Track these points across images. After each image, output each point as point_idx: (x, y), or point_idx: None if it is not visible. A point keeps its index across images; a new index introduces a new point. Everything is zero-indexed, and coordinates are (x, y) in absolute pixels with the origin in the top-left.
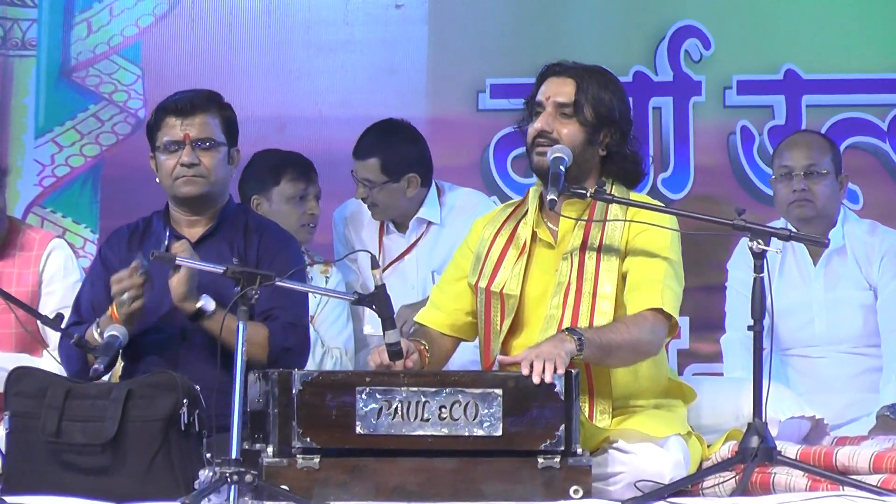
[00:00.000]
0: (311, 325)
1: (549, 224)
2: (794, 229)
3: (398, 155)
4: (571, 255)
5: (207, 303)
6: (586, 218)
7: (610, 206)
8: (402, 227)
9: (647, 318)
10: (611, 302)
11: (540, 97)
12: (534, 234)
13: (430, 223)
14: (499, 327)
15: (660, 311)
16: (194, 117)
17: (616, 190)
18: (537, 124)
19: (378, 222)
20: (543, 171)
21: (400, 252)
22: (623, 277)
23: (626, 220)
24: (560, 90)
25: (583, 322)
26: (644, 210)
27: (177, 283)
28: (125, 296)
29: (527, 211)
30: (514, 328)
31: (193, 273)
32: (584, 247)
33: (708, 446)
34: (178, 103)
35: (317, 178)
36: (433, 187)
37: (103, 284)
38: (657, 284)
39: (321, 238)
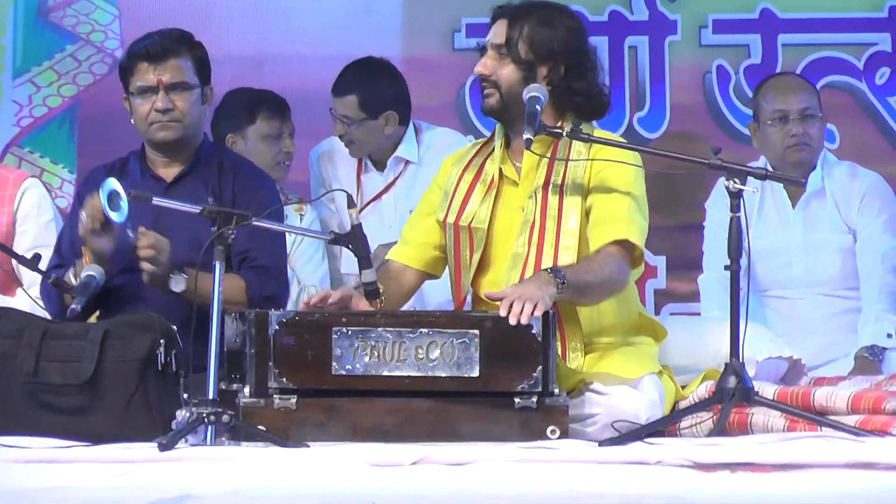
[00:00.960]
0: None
1: (514, 162)
2: (771, 169)
3: (377, 92)
4: (536, 192)
5: (176, 284)
6: (549, 155)
7: (573, 142)
8: (379, 166)
9: (615, 255)
10: (574, 238)
11: (484, 41)
12: (500, 172)
13: (407, 162)
14: (468, 261)
15: (624, 243)
16: (166, 62)
17: (583, 127)
18: (476, 68)
19: (356, 161)
20: (489, 112)
21: (378, 191)
22: (587, 214)
23: (588, 159)
24: (496, 31)
25: (547, 259)
26: (607, 147)
27: (146, 278)
28: (83, 216)
29: (493, 149)
30: (483, 265)
31: (162, 259)
32: (547, 184)
33: (684, 387)
34: (149, 48)
35: (290, 115)
36: (411, 126)
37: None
38: (622, 218)
39: (297, 177)
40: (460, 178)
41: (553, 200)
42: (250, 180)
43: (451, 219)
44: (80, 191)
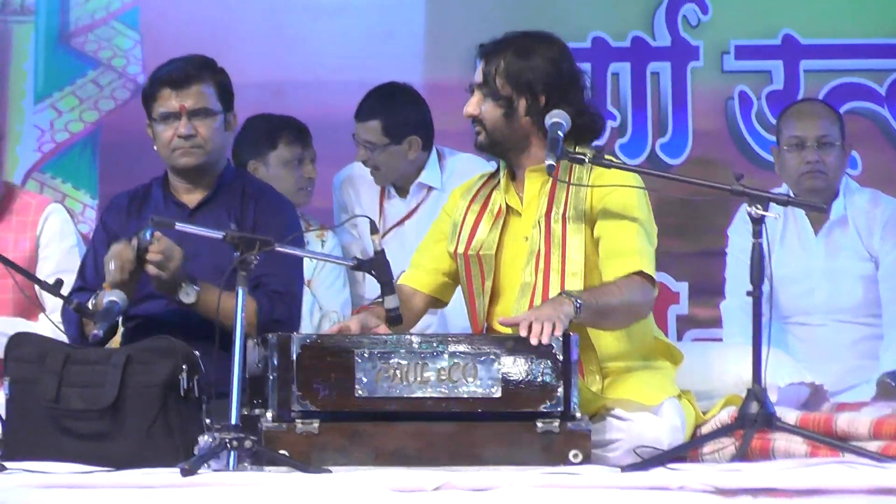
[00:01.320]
0: (307, 288)
1: (518, 192)
2: (793, 195)
3: (400, 117)
4: (539, 222)
5: (187, 295)
6: (551, 183)
7: (574, 168)
8: (402, 192)
9: (635, 280)
10: (580, 265)
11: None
12: (506, 203)
13: (430, 188)
14: (481, 290)
15: (640, 272)
16: (189, 88)
17: (579, 151)
18: (464, 109)
19: (379, 187)
20: (482, 151)
21: (401, 217)
22: (595, 242)
23: (589, 185)
24: (478, 70)
25: (554, 288)
26: (608, 171)
27: (155, 284)
28: (112, 265)
29: (499, 180)
30: (493, 295)
31: (171, 266)
32: (549, 212)
33: (704, 413)
34: (172, 74)
35: (311, 141)
36: (434, 152)
37: (104, 246)
38: (633, 251)
39: (319, 203)
40: (468, 210)
41: (556, 228)
42: (271, 206)
43: (460, 249)
44: (104, 217)
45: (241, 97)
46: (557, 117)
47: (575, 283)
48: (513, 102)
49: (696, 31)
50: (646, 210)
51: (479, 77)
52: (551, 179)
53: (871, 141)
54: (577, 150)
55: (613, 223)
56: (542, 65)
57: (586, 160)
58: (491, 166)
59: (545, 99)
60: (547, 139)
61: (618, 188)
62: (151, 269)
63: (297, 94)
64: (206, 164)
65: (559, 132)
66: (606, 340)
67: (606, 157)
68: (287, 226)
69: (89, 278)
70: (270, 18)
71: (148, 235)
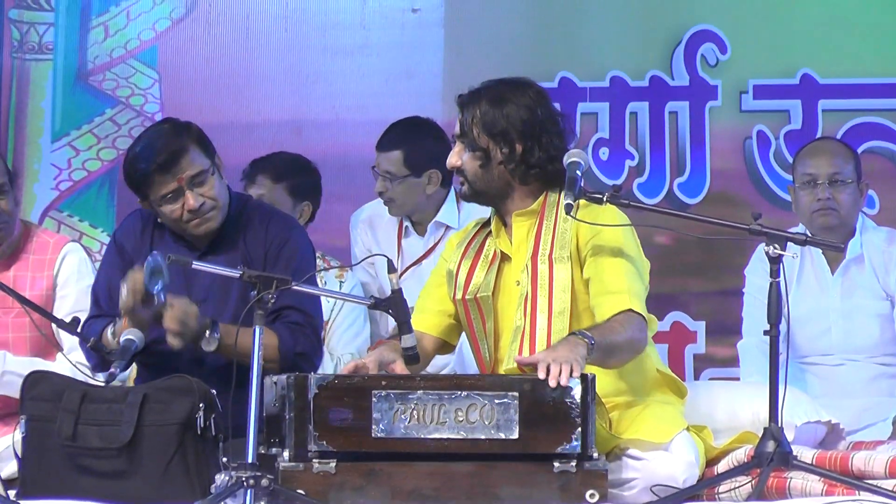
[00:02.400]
0: (325, 329)
1: (509, 238)
2: (811, 235)
3: (422, 150)
4: (527, 264)
5: (208, 345)
6: (537, 225)
7: (559, 208)
8: (420, 229)
9: (631, 317)
10: (566, 303)
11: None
12: (498, 249)
13: (447, 227)
14: (483, 332)
15: (631, 310)
16: (179, 163)
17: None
18: (447, 161)
19: (396, 225)
20: (469, 200)
21: (418, 256)
22: (585, 282)
23: (575, 219)
24: (457, 123)
25: (541, 328)
26: (594, 208)
27: (175, 344)
28: (124, 291)
29: (492, 226)
30: (495, 338)
31: (189, 330)
32: (536, 254)
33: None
34: (157, 160)
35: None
36: (452, 191)
37: (118, 272)
38: (622, 290)
39: (336, 241)
40: (463, 256)
41: (543, 269)
42: (281, 232)
43: (458, 295)
44: (117, 237)
45: (260, 135)
46: (576, 157)
47: (562, 322)
48: (489, 152)
49: (714, 70)
50: (634, 246)
51: (456, 128)
52: (537, 222)
53: (888, 180)
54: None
55: (602, 262)
56: (515, 112)
57: (604, 200)
58: (487, 211)
59: (521, 147)
60: (566, 178)
61: (605, 228)
62: (171, 340)
63: (316, 133)
64: (222, 221)
65: (577, 171)
66: (607, 378)
67: (623, 196)
68: (299, 249)
69: (103, 303)
70: (289, 57)
71: (162, 297)
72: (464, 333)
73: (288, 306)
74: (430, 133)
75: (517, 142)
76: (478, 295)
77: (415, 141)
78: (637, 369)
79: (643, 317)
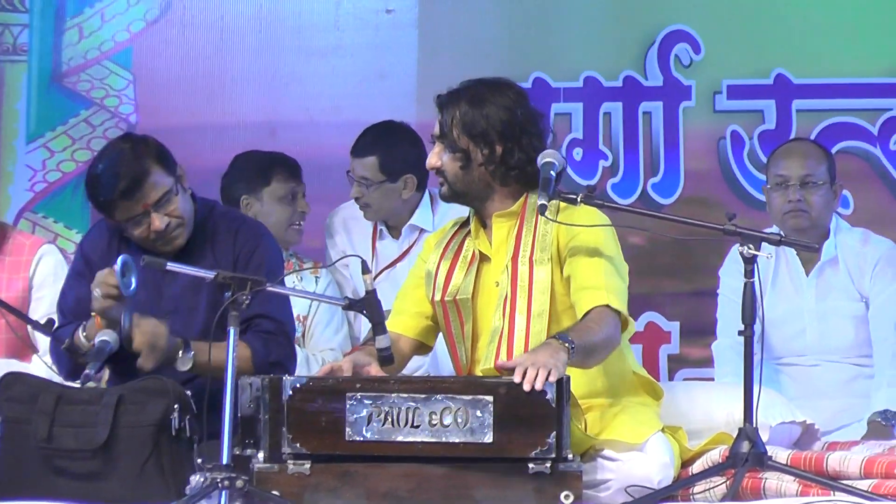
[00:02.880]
0: (305, 326)
1: (489, 239)
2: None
3: (397, 155)
4: (507, 265)
5: (183, 363)
6: (518, 226)
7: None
8: (395, 232)
9: (605, 313)
10: (545, 305)
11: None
12: (477, 250)
13: (422, 230)
14: (461, 335)
15: (608, 306)
16: (142, 188)
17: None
18: (427, 162)
19: (371, 227)
20: (448, 200)
21: (392, 258)
22: (565, 282)
23: (555, 221)
24: (437, 124)
25: (520, 329)
26: (574, 209)
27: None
28: (97, 291)
29: (471, 227)
30: (473, 340)
31: (158, 351)
32: (516, 256)
33: (691, 450)
34: (119, 186)
35: (302, 175)
36: (426, 194)
37: (86, 283)
38: (600, 286)
39: (312, 242)
40: (441, 257)
41: (524, 271)
42: (251, 238)
43: (437, 296)
44: (84, 247)
45: (234, 137)
46: (550, 157)
47: (540, 324)
48: (469, 153)
49: (688, 70)
50: (614, 246)
51: (436, 128)
52: (518, 223)
53: (863, 180)
54: (531, 194)
55: (582, 261)
56: (495, 113)
57: (578, 200)
58: (466, 212)
59: (501, 148)
60: (539, 179)
61: (585, 228)
62: (142, 361)
63: (291, 135)
64: (188, 235)
65: (551, 172)
66: (582, 379)
67: (597, 196)
68: (268, 255)
69: (69, 312)
70: (263, 59)
71: (126, 323)
72: (440, 334)
73: (258, 315)
74: (404, 137)
75: (497, 143)
76: (457, 297)
77: (389, 146)
78: (614, 371)
79: (619, 313)
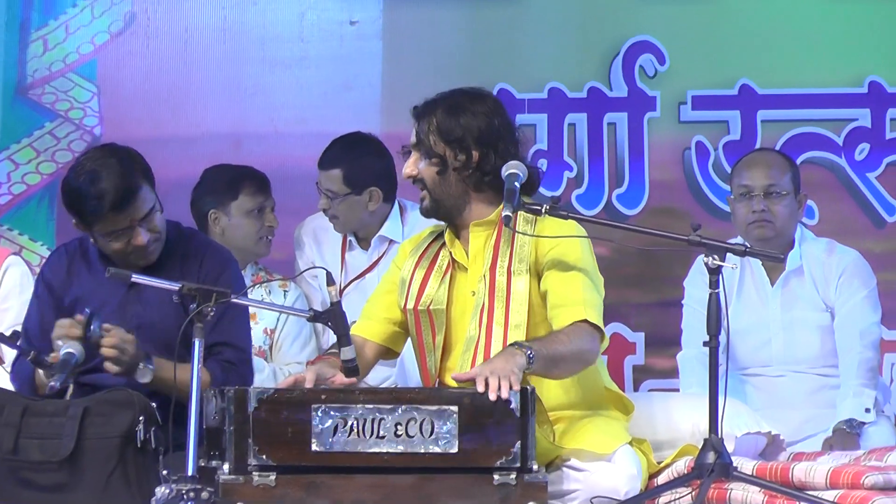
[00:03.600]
0: (273, 339)
1: (465, 248)
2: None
3: (362, 167)
4: (485, 276)
5: (143, 376)
6: (495, 237)
7: (519, 218)
8: (364, 244)
9: (582, 327)
10: (523, 316)
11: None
12: (452, 258)
13: (391, 241)
14: (432, 345)
15: (586, 321)
16: (134, 204)
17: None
18: (403, 171)
19: (340, 238)
20: (428, 216)
21: (362, 269)
22: (542, 295)
23: (533, 235)
24: (412, 133)
25: (497, 340)
26: (552, 221)
27: (114, 371)
28: (59, 341)
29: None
30: (445, 349)
31: (126, 357)
32: (494, 266)
33: (658, 463)
34: (110, 199)
35: (271, 190)
36: (396, 205)
37: (50, 307)
38: (578, 301)
39: (280, 255)
40: (416, 265)
41: (501, 281)
42: (216, 263)
43: (410, 304)
44: (45, 273)
45: (199, 149)
46: (514, 168)
47: (518, 335)
48: (445, 159)
49: (653, 81)
50: (590, 260)
51: (412, 137)
52: (496, 232)
53: (828, 190)
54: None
55: (560, 275)
56: (472, 121)
57: (542, 211)
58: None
59: (478, 155)
60: (504, 190)
61: (563, 241)
62: (109, 366)
63: (256, 146)
64: (150, 250)
65: (516, 183)
66: (555, 391)
67: (562, 208)
68: (234, 280)
69: (33, 338)
70: (228, 70)
71: (97, 327)
72: (410, 344)
73: (220, 343)
74: (369, 150)
75: (473, 149)
76: (430, 307)
77: (354, 159)
78: (587, 385)
79: (599, 328)
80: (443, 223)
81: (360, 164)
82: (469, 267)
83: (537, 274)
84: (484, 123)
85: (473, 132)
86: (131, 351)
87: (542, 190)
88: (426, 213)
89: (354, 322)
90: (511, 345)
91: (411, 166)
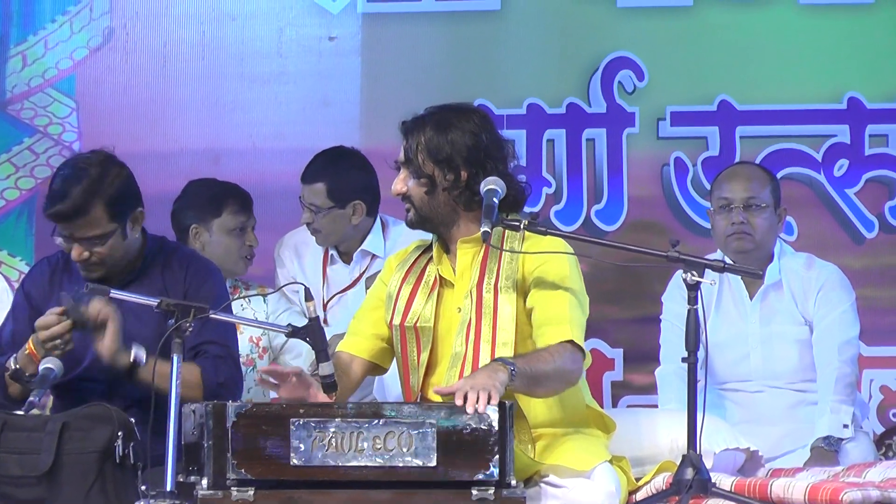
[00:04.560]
0: (260, 347)
1: (452, 264)
2: (729, 261)
3: (345, 181)
4: (471, 291)
5: (139, 352)
6: (483, 253)
7: (507, 236)
8: (346, 258)
9: (566, 347)
10: (510, 333)
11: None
12: (439, 274)
13: (374, 256)
14: (416, 362)
15: (571, 341)
16: (77, 220)
17: (513, 218)
18: (392, 188)
19: (322, 252)
20: (414, 226)
21: (344, 284)
22: (528, 312)
23: (522, 252)
24: (401, 150)
25: (484, 357)
26: (540, 238)
27: (108, 343)
28: (57, 341)
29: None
30: (430, 365)
31: (119, 327)
32: (481, 282)
33: (638, 479)
34: (57, 208)
35: (253, 209)
36: (378, 221)
37: (26, 318)
38: (563, 320)
39: (258, 270)
40: (403, 281)
41: (488, 298)
42: (200, 275)
43: (396, 320)
44: (25, 284)
45: (178, 165)
46: (492, 184)
47: (505, 353)
48: (434, 179)
49: (631, 97)
50: (578, 279)
51: (401, 154)
52: (483, 249)
53: (807, 207)
54: (509, 217)
55: (546, 293)
56: (460, 138)
57: (521, 227)
58: (429, 236)
59: (466, 174)
60: (482, 206)
61: (551, 259)
62: (105, 341)
63: (234, 162)
64: (113, 269)
65: (494, 199)
66: (538, 408)
67: (541, 223)
68: (217, 290)
69: (5, 345)
70: (206, 86)
71: (84, 303)
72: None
73: (208, 341)
74: (353, 164)
75: (462, 168)
76: (418, 324)
77: (337, 172)
78: (569, 403)
79: (581, 349)
80: (429, 237)
81: (344, 177)
82: (456, 283)
83: (524, 291)
84: (472, 141)
85: (462, 151)
86: (119, 319)
87: None
88: (412, 225)
89: (340, 335)
90: (494, 360)
91: (400, 183)
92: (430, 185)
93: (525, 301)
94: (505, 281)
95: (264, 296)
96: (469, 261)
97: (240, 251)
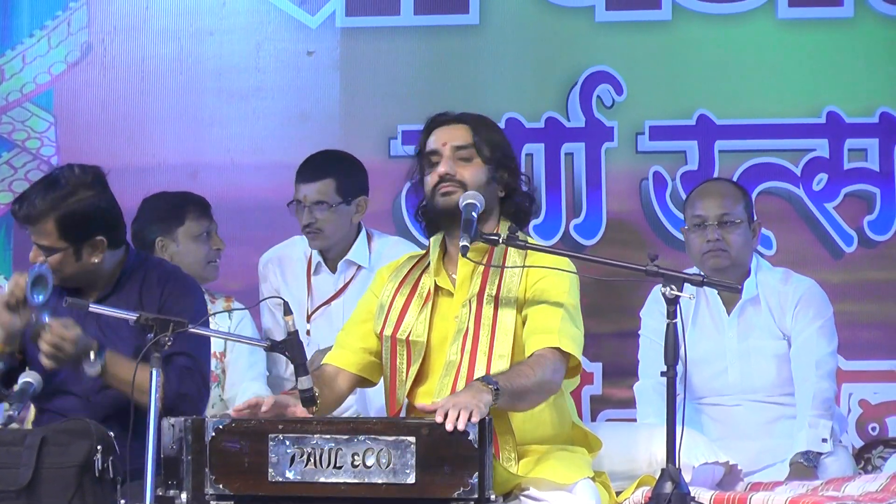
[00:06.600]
0: (221, 362)
1: (450, 273)
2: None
3: (353, 177)
4: (470, 301)
5: (91, 366)
6: (485, 263)
7: (509, 250)
8: (331, 265)
9: (547, 357)
10: (508, 347)
11: (434, 146)
12: (436, 284)
13: (359, 266)
14: (405, 375)
15: (557, 349)
16: (35, 225)
17: (519, 234)
18: (440, 169)
19: (306, 264)
20: (450, 210)
21: (329, 295)
22: (523, 323)
23: (524, 266)
24: (455, 135)
25: (480, 368)
26: (543, 254)
27: (43, 351)
28: (6, 293)
29: (429, 262)
30: (420, 376)
31: (55, 339)
32: (482, 293)
33: (619, 493)
34: (22, 208)
35: (212, 213)
36: (363, 232)
37: None
38: (553, 329)
39: (233, 284)
40: (396, 292)
41: (488, 310)
42: (179, 290)
43: (388, 332)
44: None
45: (156, 179)
46: (471, 199)
47: (501, 365)
48: (496, 170)
49: (610, 111)
50: (575, 297)
51: (461, 140)
52: (486, 260)
53: (786, 221)
54: (495, 230)
55: (542, 305)
56: (504, 141)
57: (500, 241)
58: (418, 248)
59: (508, 174)
60: (461, 220)
61: (551, 275)
62: (45, 361)
63: (212, 176)
64: (76, 281)
65: (473, 213)
66: (527, 425)
67: (520, 238)
68: (195, 309)
69: None
70: (184, 100)
71: (43, 317)
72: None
73: (178, 352)
74: (354, 163)
75: (507, 171)
76: (410, 337)
77: (345, 169)
78: (557, 421)
79: (567, 358)
80: (398, 255)
81: (350, 173)
82: (455, 293)
83: (522, 302)
84: (510, 148)
85: (509, 153)
86: (69, 350)
87: None
88: (451, 207)
89: (326, 349)
90: (477, 380)
91: (450, 166)
92: (495, 174)
93: (522, 311)
94: (506, 293)
95: (229, 310)
96: (469, 270)
97: (208, 256)
